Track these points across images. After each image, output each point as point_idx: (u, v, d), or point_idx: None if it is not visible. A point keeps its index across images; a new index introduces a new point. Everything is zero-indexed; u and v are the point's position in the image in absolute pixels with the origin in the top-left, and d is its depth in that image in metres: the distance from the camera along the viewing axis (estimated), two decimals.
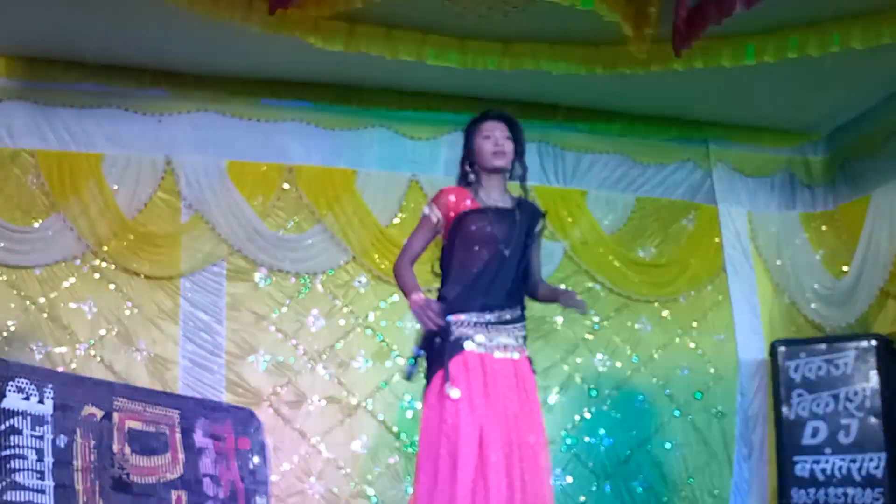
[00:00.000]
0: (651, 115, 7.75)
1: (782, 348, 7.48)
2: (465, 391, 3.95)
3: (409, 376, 4.29)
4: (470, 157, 4.33)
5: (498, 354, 4.08)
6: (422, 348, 4.17)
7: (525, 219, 4.28)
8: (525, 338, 4.23)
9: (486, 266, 4.15)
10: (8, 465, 4.50)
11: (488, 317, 4.10)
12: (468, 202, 4.24)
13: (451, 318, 4.08)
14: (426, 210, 4.30)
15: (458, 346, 4.04)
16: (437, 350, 4.09)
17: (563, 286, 4.33)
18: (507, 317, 4.14)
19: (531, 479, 3.95)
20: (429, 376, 4.14)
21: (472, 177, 4.30)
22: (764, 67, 6.30)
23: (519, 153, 4.32)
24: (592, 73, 6.55)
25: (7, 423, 4.57)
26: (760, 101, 7.35)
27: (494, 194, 4.28)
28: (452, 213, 4.24)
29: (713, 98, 7.33)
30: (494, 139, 4.25)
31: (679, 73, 6.39)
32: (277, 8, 5.54)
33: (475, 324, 4.08)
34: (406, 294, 4.20)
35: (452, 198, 4.25)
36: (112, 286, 6.85)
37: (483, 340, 4.07)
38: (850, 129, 7.84)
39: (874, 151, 7.54)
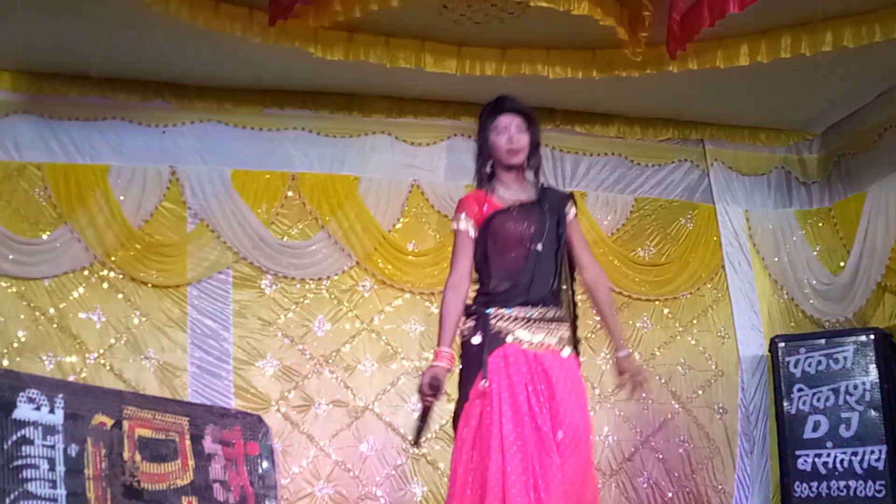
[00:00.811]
0: (647, 116, 7.81)
1: (782, 344, 7.54)
2: (507, 384, 3.76)
3: (415, 441, 4.00)
4: (485, 154, 4.12)
5: (539, 351, 3.87)
6: (421, 419, 3.90)
7: (553, 207, 4.05)
8: (569, 338, 4.01)
9: (524, 263, 3.93)
10: (20, 475, 4.52)
11: (532, 312, 3.90)
12: (489, 204, 4.03)
13: (491, 310, 3.90)
14: (457, 226, 4.06)
15: (498, 340, 3.85)
16: (473, 353, 3.89)
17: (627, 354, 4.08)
18: (551, 315, 3.94)
19: (574, 473, 3.73)
20: (466, 375, 3.92)
21: (488, 171, 4.10)
22: (757, 67, 6.36)
23: (534, 144, 4.08)
24: (589, 77, 6.62)
25: (19, 434, 4.58)
26: (755, 100, 7.40)
27: (514, 188, 4.08)
28: (479, 220, 4.02)
29: (708, 99, 7.39)
30: (509, 135, 4.02)
31: (674, 74, 6.44)
32: (278, 19, 5.59)
33: (516, 318, 3.89)
34: (438, 341, 3.89)
35: (475, 206, 4.04)
36: (120, 295, 6.91)
37: (525, 337, 3.88)
38: (844, 126, 7.89)
39: (868, 148, 7.59)
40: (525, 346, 3.86)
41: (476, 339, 3.88)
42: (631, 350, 4.17)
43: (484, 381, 3.76)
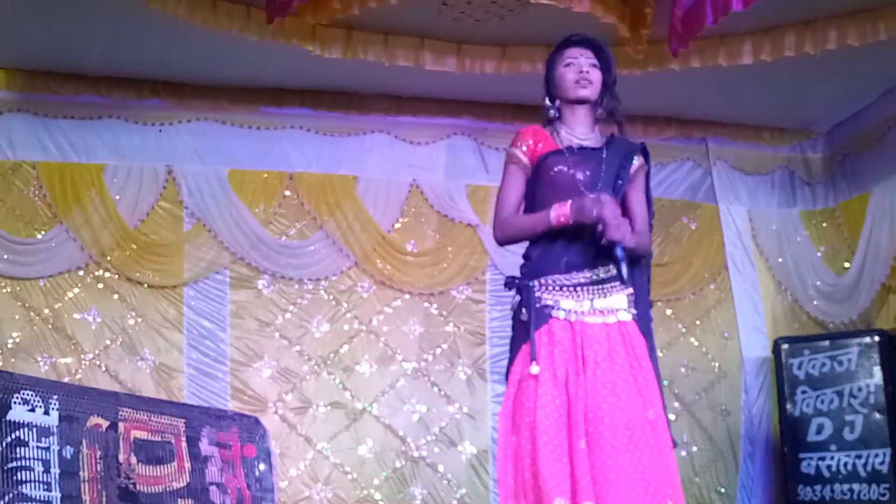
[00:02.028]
0: (649, 115, 7.74)
1: (785, 346, 7.48)
2: (549, 367, 3.38)
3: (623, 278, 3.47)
4: (551, 90, 3.70)
5: (591, 320, 3.45)
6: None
7: (615, 156, 3.64)
8: (632, 299, 3.56)
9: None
10: (14, 477, 4.49)
11: (578, 277, 3.49)
12: (545, 143, 3.65)
13: (535, 282, 3.50)
14: (512, 151, 3.67)
15: (544, 316, 3.45)
16: (522, 322, 3.50)
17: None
18: (602, 275, 3.50)
19: (650, 459, 3.30)
20: (512, 353, 3.57)
21: (553, 112, 3.69)
22: (761, 66, 6.30)
23: (608, 83, 3.69)
24: None
25: (13, 436, 4.56)
26: (758, 99, 7.35)
27: (579, 131, 3.66)
28: (533, 157, 3.64)
29: (711, 97, 7.33)
30: (578, 66, 3.62)
31: (676, 72, 6.40)
32: (275, 16, 5.56)
33: (562, 287, 3.48)
34: (544, 222, 3.49)
35: (530, 139, 3.65)
36: (116, 296, 6.88)
37: (573, 306, 3.46)
38: (848, 125, 7.84)
39: (873, 147, 7.54)
40: (574, 317, 3.45)
41: (523, 316, 3.49)
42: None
43: (534, 365, 3.36)
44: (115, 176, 6.95)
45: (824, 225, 8.09)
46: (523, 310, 3.50)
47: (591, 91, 3.64)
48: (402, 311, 7.34)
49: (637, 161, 3.73)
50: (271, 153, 7.29)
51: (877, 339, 7.08)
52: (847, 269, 7.75)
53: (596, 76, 3.64)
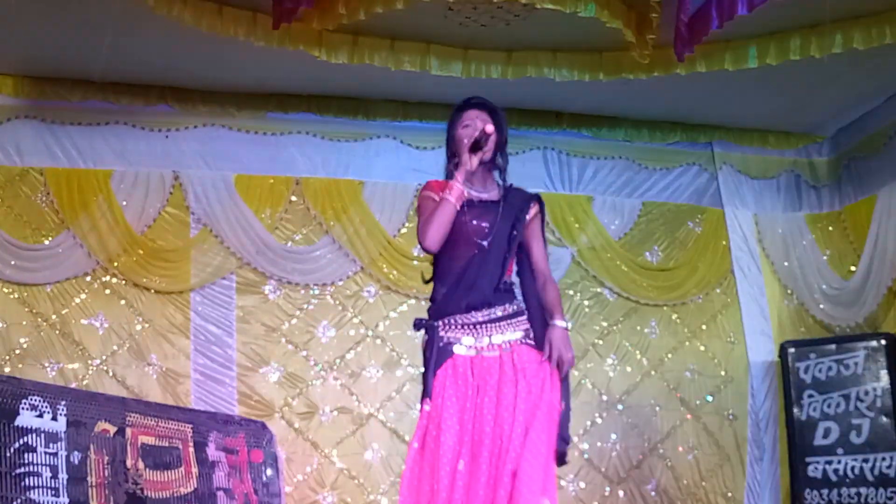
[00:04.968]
0: (655, 119, 7.75)
1: (792, 349, 7.48)
2: (453, 397, 3.74)
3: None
4: (450, 147, 4.01)
5: (489, 354, 3.81)
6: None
7: (511, 208, 3.95)
8: (527, 332, 3.87)
9: (468, 263, 3.86)
10: (23, 483, 4.50)
11: (477, 316, 3.85)
12: None
13: (439, 322, 3.85)
14: (426, 193, 3.96)
15: (447, 352, 3.82)
16: (427, 360, 3.87)
17: (559, 324, 3.83)
18: (498, 313, 3.86)
19: (521, 476, 3.60)
20: (424, 385, 3.88)
21: (452, 168, 3.95)
22: (766, 70, 6.30)
23: (500, 143, 3.97)
24: (596, 80, 6.57)
25: (21, 441, 4.57)
26: (764, 103, 7.35)
27: (477, 186, 3.96)
28: None
29: (717, 101, 7.33)
30: (474, 127, 3.90)
31: (682, 77, 6.39)
32: (281, 22, 5.56)
33: (462, 325, 3.84)
34: (449, 190, 3.81)
35: (439, 191, 3.90)
36: (123, 301, 6.89)
37: (472, 342, 3.83)
38: (854, 129, 7.83)
39: (879, 151, 7.53)
40: (473, 352, 3.82)
41: (427, 354, 3.88)
42: (568, 326, 4.00)
43: (427, 404, 3.76)
44: (122, 182, 6.97)
45: (830, 228, 8.08)
46: (428, 348, 3.87)
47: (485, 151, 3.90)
48: (408, 315, 7.32)
49: (532, 210, 4.03)
50: (278, 158, 7.31)
51: (883, 342, 7.08)
52: (853, 272, 7.74)
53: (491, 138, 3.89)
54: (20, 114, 6.81)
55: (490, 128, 3.82)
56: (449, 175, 3.97)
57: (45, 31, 6.06)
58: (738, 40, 6.18)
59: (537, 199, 4.08)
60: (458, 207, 3.82)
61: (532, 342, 3.87)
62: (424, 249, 3.87)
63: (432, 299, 3.98)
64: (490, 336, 3.84)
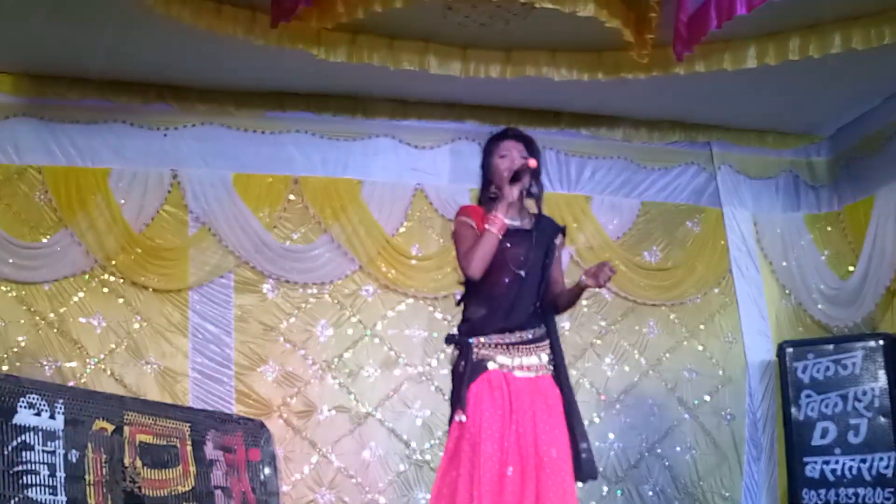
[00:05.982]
0: (654, 119, 7.75)
1: (790, 349, 7.47)
2: (489, 408, 3.96)
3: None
4: (486, 175, 4.29)
5: (519, 374, 4.07)
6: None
7: (543, 237, 4.23)
8: (550, 357, 4.20)
9: (506, 290, 4.12)
10: (20, 481, 4.51)
11: (510, 338, 4.11)
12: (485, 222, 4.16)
13: (473, 340, 4.09)
14: (464, 219, 4.21)
15: (481, 367, 4.05)
16: (460, 374, 4.09)
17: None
18: (529, 336, 4.14)
19: (553, 491, 3.91)
20: (453, 401, 4.14)
21: (490, 196, 4.24)
22: (766, 70, 6.30)
23: (536, 173, 4.21)
24: (594, 79, 6.56)
25: (19, 439, 4.58)
26: (763, 103, 7.35)
27: (512, 213, 4.18)
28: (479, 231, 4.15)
29: (716, 101, 7.33)
30: (511, 158, 4.19)
31: (681, 77, 6.38)
32: (280, 21, 5.55)
33: (496, 345, 4.09)
34: (492, 223, 4.05)
35: (477, 217, 4.17)
36: (121, 300, 6.88)
37: (505, 361, 4.07)
38: (853, 129, 7.83)
39: (877, 151, 7.53)
40: (505, 369, 4.06)
41: (461, 368, 4.10)
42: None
43: (462, 415, 3.98)
44: (121, 180, 6.95)
45: (829, 229, 8.09)
46: (462, 363, 4.10)
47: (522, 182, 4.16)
48: (406, 315, 7.34)
49: (559, 240, 4.34)
50: (276, 157, 7.30)
51: (881, 342, 7.07)
52: (851, 272, 7.74)
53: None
54: (18, 112, 6.78)
55: (533, 162, 4.10)
56: (482, 202, 4.27)
57: (44, 30, 6.05)
58: (737, 40, 6.19)
59: (563, 230, 4.37)
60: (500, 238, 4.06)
61: (552, 369, 4.19)
62: (467, 277, 4.10)
63: (466, 319, 4.22)
64: (522, 357, 4.11)
